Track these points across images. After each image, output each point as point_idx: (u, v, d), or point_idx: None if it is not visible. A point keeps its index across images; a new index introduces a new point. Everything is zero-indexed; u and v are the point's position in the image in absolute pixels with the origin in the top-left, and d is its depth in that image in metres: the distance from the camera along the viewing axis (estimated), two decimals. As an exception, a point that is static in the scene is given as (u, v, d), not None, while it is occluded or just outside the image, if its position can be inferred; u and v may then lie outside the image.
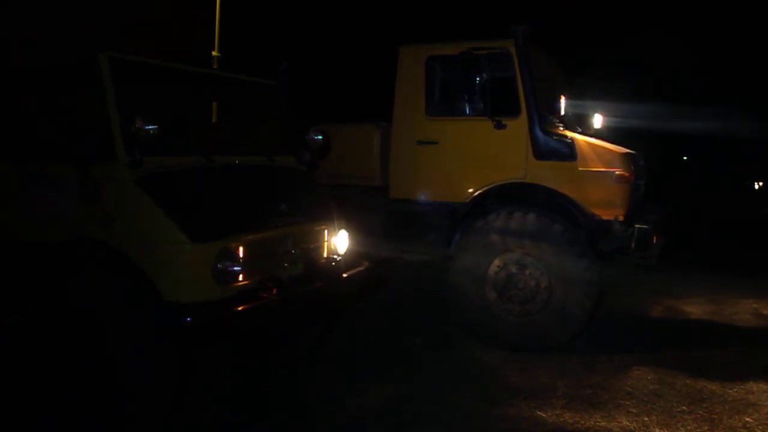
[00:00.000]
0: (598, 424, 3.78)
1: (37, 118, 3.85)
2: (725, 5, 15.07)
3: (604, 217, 5.00)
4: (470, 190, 5.30)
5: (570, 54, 7.99)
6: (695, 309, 6.61)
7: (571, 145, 5.07)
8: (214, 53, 7.15)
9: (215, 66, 6.91)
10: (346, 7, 12.81)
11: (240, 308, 3.18)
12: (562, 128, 5.25)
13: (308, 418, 3.76)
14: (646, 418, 3.86)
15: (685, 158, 17.67)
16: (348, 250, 4.12)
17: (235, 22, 7.84)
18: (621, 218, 5.00)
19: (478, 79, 5.20)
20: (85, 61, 3.42)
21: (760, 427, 3.77)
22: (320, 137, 4.37)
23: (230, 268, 3.21)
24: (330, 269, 3.86)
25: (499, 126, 5.17)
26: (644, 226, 5.00)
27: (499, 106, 5.18)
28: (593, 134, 5.74)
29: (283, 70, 4.34)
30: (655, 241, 5.16)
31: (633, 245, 4.92)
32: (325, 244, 4.06)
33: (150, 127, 3.14)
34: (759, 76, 14.98)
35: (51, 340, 3.29)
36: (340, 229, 4.14)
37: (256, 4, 11.10)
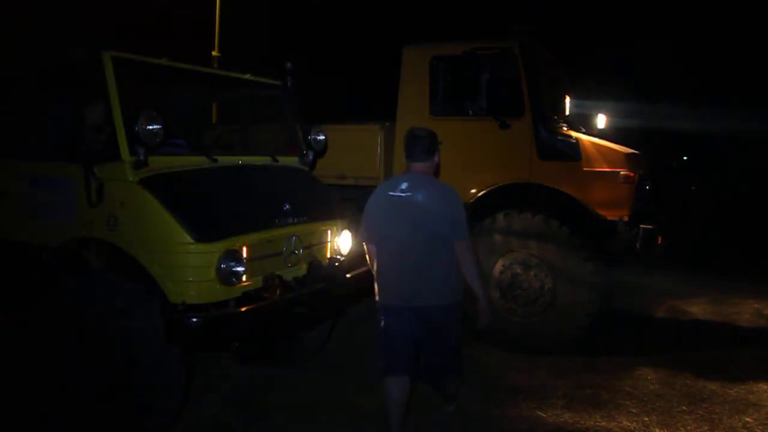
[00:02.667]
0: (598, 424, 3.80)
1: (41, 117, 3.85)
2: (726, 5, 15.06)
3: (609, 218, 5.00)
4: (474, 191, 5.28)
5: (572, 53, 7.99)
6: (696, 309, 6.62)
7: (575, 145, 5.06)
8: (214, 53, 7.15)
9: (215, 66, 6.91)
10: (349, 7, 12.78)
11: (244, 309, 3.18)
12: (566, 128, 5.24)
13: (309, 419, 3.77)
14: (646, 418, 3.88)
15: (685, 158, 17.60)
16: (351, 250, 4.12)
17: (235, 22, 7.83)
18: (626, 218, 5.00)
19: (482, 79, 5.18)
20: (88, 60, 3.41)
21: (760, 427, 3.79)
22: (323, 137, 4.37)
23: (234, 269, 3.20)
24: (334, 269, 3.87)
25: (503, 126, 5.15)
26: (649, 227, 5.00)
27: (503, 107, 5.17)
28: (597, 134, 5.74)
29: (288, 69, 4.33)
30: (659, 241, 5.16)
31: (638, 245, 4.92)
32: (329, 244, 4.06)
33: (154, 126, 3.14)
34: (759, 75, 14.97)
35: (55, 340, 3.30)
36: (343, 229, 4.14)
37: (256, 4, 11.07)
